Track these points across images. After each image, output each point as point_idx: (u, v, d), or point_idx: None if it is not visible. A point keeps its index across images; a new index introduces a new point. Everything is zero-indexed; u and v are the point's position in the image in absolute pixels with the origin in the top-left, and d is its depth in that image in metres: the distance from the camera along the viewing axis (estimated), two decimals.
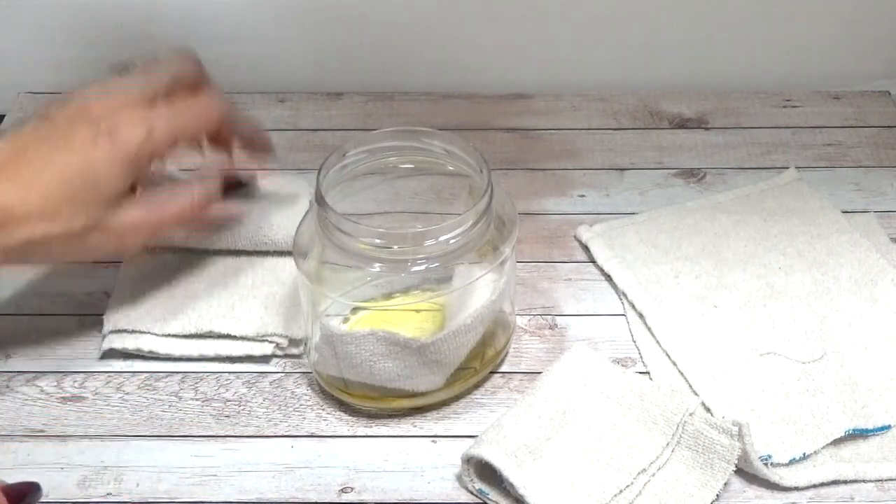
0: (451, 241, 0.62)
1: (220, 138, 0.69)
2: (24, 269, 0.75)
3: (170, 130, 0.63)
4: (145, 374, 0.70)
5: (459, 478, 0.63)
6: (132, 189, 0.64)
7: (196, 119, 0.66)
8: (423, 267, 0.62)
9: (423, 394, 0.66)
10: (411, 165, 0.69)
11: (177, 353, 0.70)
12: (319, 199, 0.63)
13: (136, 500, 0.63)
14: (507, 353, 0.71)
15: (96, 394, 0.69)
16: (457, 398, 0.68)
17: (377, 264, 0.62)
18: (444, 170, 0.68)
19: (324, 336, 0.64)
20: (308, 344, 0.68)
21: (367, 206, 0.71)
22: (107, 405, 0.68)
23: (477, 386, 0.69)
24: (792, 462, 0.63)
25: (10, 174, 0.60)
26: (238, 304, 0.72)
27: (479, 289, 0.65)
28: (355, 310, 0.70)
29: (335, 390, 0.67)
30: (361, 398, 0.67)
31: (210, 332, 0.70)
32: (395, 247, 0.62)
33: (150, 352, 0.70)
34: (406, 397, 0.66)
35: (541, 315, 0.75)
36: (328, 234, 0.63)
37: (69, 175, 0.60)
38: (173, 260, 0.75)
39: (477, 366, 0.68)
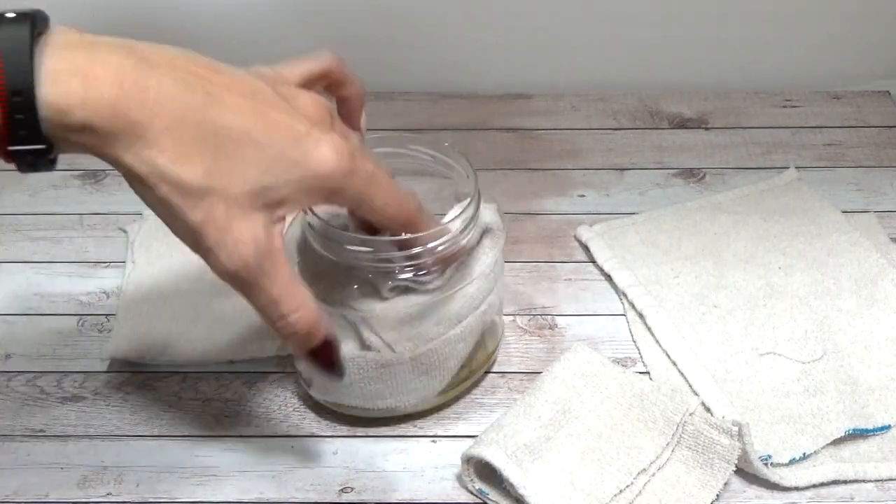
0: (439, 249, 0.61)
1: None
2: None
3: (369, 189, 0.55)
4: (145, 374, 0.70)
5: (459, 478, 0.63)
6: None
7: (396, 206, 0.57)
8: (410, 275, 0.61)
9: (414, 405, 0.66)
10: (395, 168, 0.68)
11: (180, 360, 0.70)
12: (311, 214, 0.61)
13: (136, 500, 0.63)
14: (497, 357, 0.71)
15: (96, 394, 0.69)
16: (455, 399, 0.68)
17: (364, 272, 0.61)
18: (430, 174, 0.67)
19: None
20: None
21: None
22: (107, 405, 0.68)
23: (476, 385, 0.69)
24: (792, 462, 0.63)
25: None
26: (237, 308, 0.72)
27: (469, 294, 0.65)
28: None
29: (328, 404, 0.67)
30: (353, 409, 0.66)
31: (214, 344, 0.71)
32: (382, 254, 0.61)
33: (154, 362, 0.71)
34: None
35: (541, 315, 0.75)
36: (313, 241, 0.62)
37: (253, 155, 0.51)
38: (174, 281, 0.75)
39: (466, 373, 0.67)
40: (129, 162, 0.49)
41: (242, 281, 0.52)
